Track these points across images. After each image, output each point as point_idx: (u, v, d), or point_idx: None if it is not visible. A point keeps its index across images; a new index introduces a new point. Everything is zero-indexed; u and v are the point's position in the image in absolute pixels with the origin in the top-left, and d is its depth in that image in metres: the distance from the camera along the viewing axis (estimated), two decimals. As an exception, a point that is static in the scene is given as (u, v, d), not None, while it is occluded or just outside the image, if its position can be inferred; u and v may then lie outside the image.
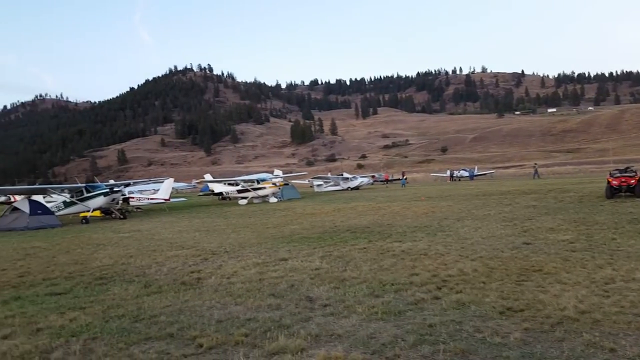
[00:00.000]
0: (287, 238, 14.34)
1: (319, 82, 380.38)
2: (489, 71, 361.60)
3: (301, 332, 5.70)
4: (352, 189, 51.87)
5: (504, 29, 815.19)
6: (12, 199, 40.80)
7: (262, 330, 5.82)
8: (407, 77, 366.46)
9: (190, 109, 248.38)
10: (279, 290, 7.76)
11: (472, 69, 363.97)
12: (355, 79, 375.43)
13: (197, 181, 63.75)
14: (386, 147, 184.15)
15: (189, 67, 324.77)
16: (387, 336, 5.45)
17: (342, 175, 58.82)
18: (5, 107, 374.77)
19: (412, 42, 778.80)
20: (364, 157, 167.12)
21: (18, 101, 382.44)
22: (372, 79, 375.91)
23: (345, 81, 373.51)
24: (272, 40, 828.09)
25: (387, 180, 70.48)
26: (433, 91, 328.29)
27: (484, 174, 74.65)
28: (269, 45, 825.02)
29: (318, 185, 54.82)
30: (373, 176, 69.96)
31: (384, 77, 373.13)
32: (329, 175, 63.11)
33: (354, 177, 56.55)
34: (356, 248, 11.65)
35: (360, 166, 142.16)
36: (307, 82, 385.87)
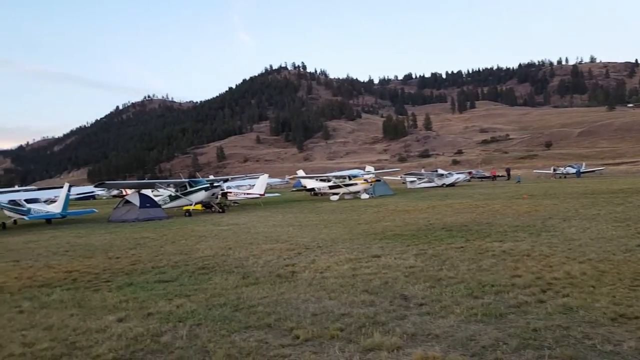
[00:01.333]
0: (380, 235, 14.25)
1: (413, 76, 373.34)
2: (598, 61, 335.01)
3: (397, 330, 5.65)
4: (447, 185, 50.50)
5: (615, 15, 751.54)
6: (124, 193, 44.32)
7: (356, 326, 5.83)
8: (507, 69, 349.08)
9: (284, 107, 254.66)
10: (372, 287, 7.73)
11: (579, 59, 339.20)
12: (452, 72, 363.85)
13: (290, 177, 65.45)
14: (484, 142, 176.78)
15: (283, 65, 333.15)
16: (488, 339, 5.25)
17: (436, 171, 57.43)
18: (117, 107, 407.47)
19: (512, 32, 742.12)
20: (459, 152, 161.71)
21: (129, 102, 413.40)
22: (470, 71, 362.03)
23: (440, 74, 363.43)
24: (364, 36, 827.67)
25: (495, 177, 67.64)
26: (536, 83, 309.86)
27: (592, 171, 69.34)
28: (362, 41, 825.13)
29: (411, 182, 53.94)
30: (470, 172, 67.56)
31: (482, 69, 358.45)
32: (423, 171, 61.86)
33: (449, 173, 54.99)
34: (452, 247, 11.31)
35: (455, 162, 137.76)
36: (400, 77, 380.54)
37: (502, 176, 68.90)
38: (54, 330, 6.26)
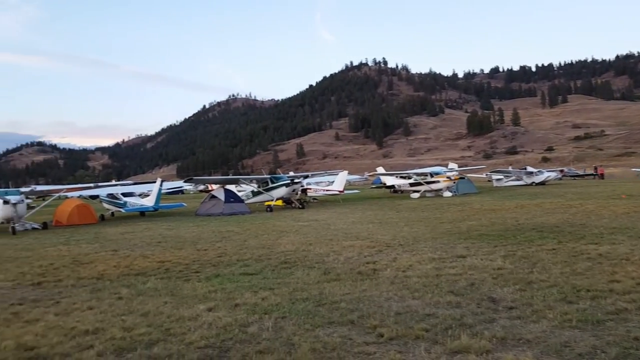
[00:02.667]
0: (464, 234, 13.83)
1: (500, 70, 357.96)
2: None
3: (485, 333, 5.46)
4: (537, 184, 48.06)
5: None
6: (210, 188, 46.20)
7: (442, 327, 5.69)
8: (603, 61, 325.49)
9: (364, 103, 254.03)
10: (458, 288, 7.51)
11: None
12: (542, 65, 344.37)
13: (369, 174, 65.15)
14: (577, 138, 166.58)
15: (364, 61, 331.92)
16: (584, 346, 4.94)
17: (525, 169, 54.76)
18: (204, 106, 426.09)
19: (608, 21, 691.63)
20: (550, 149, 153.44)
21: (215, 101, 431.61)
22: (562, 63, 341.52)
23: (530, 67, 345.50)
24: (448, 29, 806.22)
25: (601, 175, 63.52)
26: (635, 75, 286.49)
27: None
28: (445, 34, 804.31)
29: (497, 180, 51.89)
30: (562, 170, 63.80)
31: (575, 62, 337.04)
32: (510, 168, 59.24)
33: (539, 171, 52.24)
34: (544, 249, 10.73)
35: (545, 159, 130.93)
36: (486, 70, 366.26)
37: (593, 174, 64.59)
38: (150, 316, 6.65)
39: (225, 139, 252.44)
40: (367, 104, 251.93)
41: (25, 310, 7.40)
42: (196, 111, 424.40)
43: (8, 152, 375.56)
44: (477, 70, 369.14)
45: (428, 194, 35.96)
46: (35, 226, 23.10)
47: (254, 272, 9.48)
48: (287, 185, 29.31)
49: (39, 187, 37.34)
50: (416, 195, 35.98)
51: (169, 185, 44.55)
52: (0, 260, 12.95)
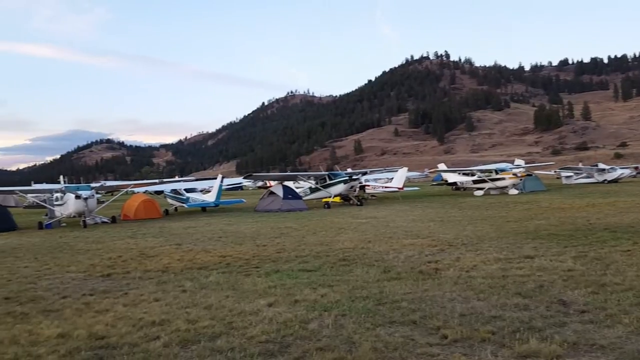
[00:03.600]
0: (532, 234, 13.25)
1: (570, 62, 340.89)
2: None
3: (555, 337, 5.19)
4: (609, 182, 45.52)
5: None
6: (268, 184, 46.87)
7: (510, 330, 5.45)
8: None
9: (425, 98, 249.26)
10: (525, 290, 7.17)
11: None
12: (615, 56, 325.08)
13: (429, 170, 64.01)
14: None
15: (425, 55, 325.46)
16: (665, 356, 4.56)
17: (596, 165, 51.99)
18: (263, 103, 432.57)
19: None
20: (623, 145, 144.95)
21: (273, 98, 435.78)
22: (637, 54, 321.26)
23: (601, 59, 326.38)
24: (514, 20, 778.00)
25: None
26: None
27: None
28: (511, 26, 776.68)
29: (567, 177, 49.58)
30: (637, 167, 60.03)
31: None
32: (580, 165, 56.43)
33: (611, 168, 49.48)
34: (618, 250, 10.10)
35: (618, 156, 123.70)
36: (555, 62, 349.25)
37: None
38: (213, 309, 6.77)
39: (283, 136, 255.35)
40: (428, 98, 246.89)
41: (96, 300, 7.73)
42: (255, 108, 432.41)
43: (79, 149, 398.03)
44: (544, 63, 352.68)
45: (492, 192, 34.83)
46: (105, 220, 24.26)
47: (313, 269, 9.48)
48: (345, 182, 29.25)
49: (108, 183, 39.28)
50: (480, 192, 34.94)
51: (229, 181, 45.59)
52: (72, 253, 13.68)
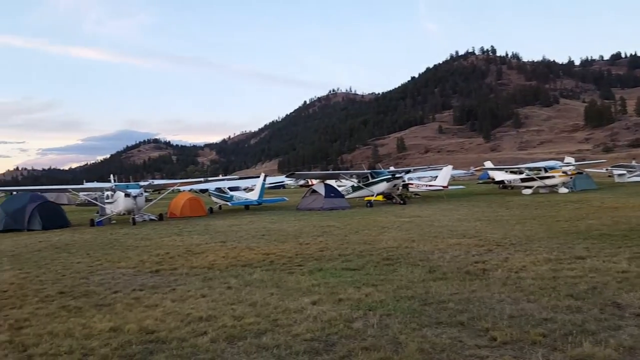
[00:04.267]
0: (583, 234, 12.76)
1: (623, 55, 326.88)
2: None
3: (610, 341, 4.99)
4: (665, 180, 43.35)
5: None
6: (310, 183, 47.03)
7: (562, 333, 5.26)
8: None
9: (470, 94, 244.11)
10: (578, 292, 6.91)
11: None
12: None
13: (475, 168, 62.65)
14: None
15: (470, 51, 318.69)
16: None
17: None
18: (305, 102, 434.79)
19: None
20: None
21: (315, 96, 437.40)
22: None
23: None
24: (562, 13, 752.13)
25: None
26: None
27: None
28: (559, 19, 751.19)
29: (620, 175, 47.53)
30: None
31: None
32: (634, 163, 53.98)
33: (666, 165, 47.13)
34: (678, 252, 9.59)
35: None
36: (606, 56, 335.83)
37: None
38: (258, 306, 6.83)
39: (324, 134, 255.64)
40: (474, 95, 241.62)
41: (145, 295, 7.95)
42: (297, 107, 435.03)
43: (128, 149, 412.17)
44: (595, 57, 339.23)
45: (542, 190, 33.78)
46: (152, 217, 24.94)
47: (356, 268, 9.42)
48: (388, 180, 29.00)
49: (156, 182, 40.36)
50: (528, 191, 33.94)
51: (271, 180, 46.02)
52: (122, 249, 14.12)
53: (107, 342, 5.62)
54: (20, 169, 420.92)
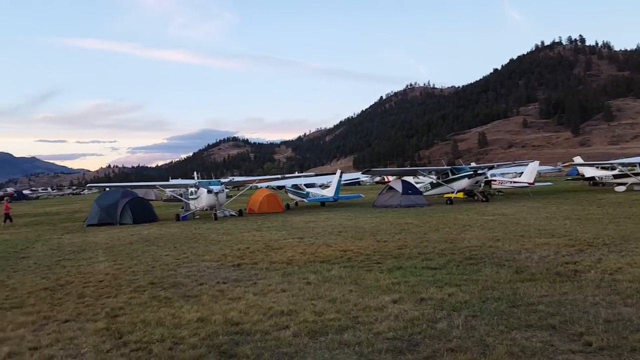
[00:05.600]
0: (689, 234, 11.68)
1: None
2: None
3: None
4: None
5: None
6: (386, 179, 46.57)
7: (665, 340, 4.83)
8: None
9: (557, 86, 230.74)
10: (684, 297, 6.32)
11: None
12: None
13: (563, 164, 59.30)
14: None
15: (557, 40, 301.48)
16: None
17: None
18: (381, 97, 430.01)
19: None
20: None
21: (392, 91, 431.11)
22: None
23: None
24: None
25: None
26: None
27: None
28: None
29: None
30: None
31: None
32: None
33: None
34: None
35: None
36: None
37: None
38: (337, 303, 6.83)
39: (401, 130, 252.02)
40: (561, 86, 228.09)
41: (229, 288, 8.21)
42: (373, 103, 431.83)
43: (209, 147, 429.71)
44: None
45: (636, 187, 31.33)
46: (233, 213, 25.78)
47: (438, 267, 9.19)
48: (469, 176, 28.07)
49: (237, 178, 41.71)
50: (622, 188, 31.57)
51: (347, 176, 46.05)
52: (206, 243, 14.70)
53: (195, 332, 5.86)
54: (111, 166, 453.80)
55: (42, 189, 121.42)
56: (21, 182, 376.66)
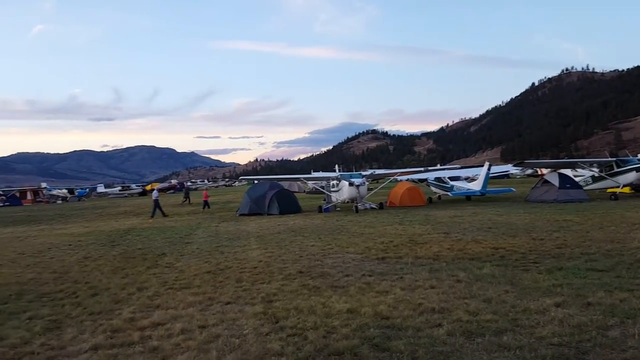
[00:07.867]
0: None
1: None
2: None
3: None
4: None
5: None
6: (539, 172, 43.31)
7: None
8: None
9: None
10: None
11: None
12: None
13: None
14: None
15: None
16: None
17: None
18: (533, 84, 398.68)
19: None
20: None
21: (545, 77, 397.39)
22: None
23: None
24: None
25: None
26: None
27: None
28: None
29: None
30: None
31: None
32: None
33: None
34: None
35: None
36: None
37: None
38: (493, 303, 6.45)
39: (556, 118, 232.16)
40: None
41: (375, 281, 8.21)
42: (523, 90, 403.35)
43: (348, 140, 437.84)
44: None
45: None
46: (373, 206, 25.86)
47: (604, 269, 8.26)
48: (638, 169, 24.96)
49: (378, 171, 41.89)
50: None
51: (495, 169, 43.72)
52: (349, 235, 14.93)
53: (346, 323, 5.94)
54: (258, 160, 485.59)
55: (200, 181, 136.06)
56: (182, 174, 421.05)
